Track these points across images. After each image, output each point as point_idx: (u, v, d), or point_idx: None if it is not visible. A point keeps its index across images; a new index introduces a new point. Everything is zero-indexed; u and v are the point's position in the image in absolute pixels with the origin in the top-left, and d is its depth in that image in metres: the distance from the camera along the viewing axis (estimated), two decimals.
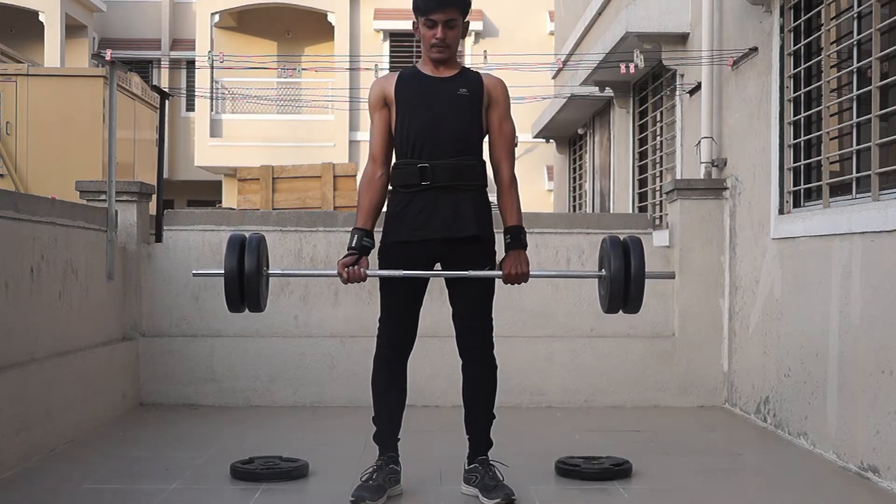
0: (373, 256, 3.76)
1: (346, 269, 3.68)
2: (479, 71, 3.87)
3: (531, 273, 3.75)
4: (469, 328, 3.77)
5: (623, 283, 3.66)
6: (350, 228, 6.14)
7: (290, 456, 4.29)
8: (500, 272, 3.71)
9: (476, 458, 3.83)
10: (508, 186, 3.81)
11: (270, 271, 3.83)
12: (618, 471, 4.14)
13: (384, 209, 3.83)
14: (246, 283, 3.63)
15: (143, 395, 6.03)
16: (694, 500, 3.90)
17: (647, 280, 3.68)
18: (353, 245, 3.71)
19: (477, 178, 3.77)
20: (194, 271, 3.94)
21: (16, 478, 4.03)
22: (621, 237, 3.78)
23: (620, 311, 3.77)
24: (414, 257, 3.72)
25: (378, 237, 3.79)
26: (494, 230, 3.81)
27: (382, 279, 3.77)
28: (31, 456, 4.30)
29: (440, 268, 3.79)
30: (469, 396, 3.84)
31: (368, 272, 3.69)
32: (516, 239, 3.74)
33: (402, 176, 3.73)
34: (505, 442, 4.11)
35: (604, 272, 3.76)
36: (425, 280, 3.80)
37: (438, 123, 3.70)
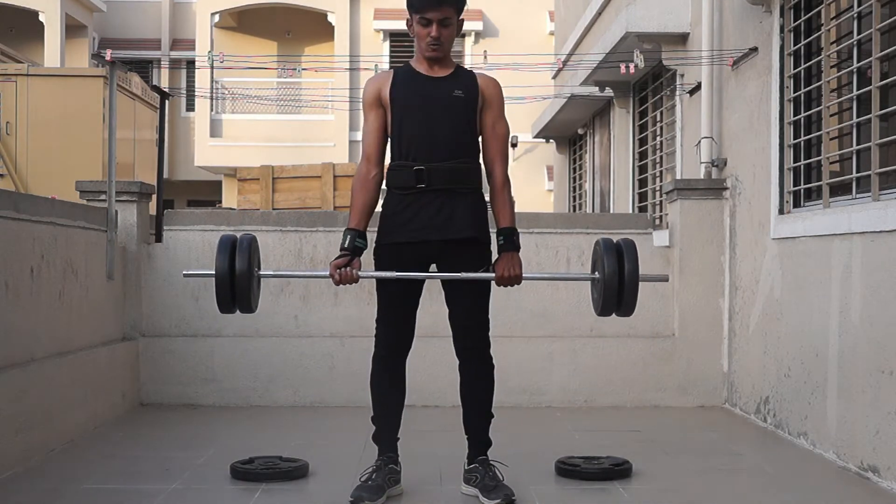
0: (367, 256, 3.75)
1: (337, 270, 3.66)
2: (474, 70, 3.86)
3: (524, 275, 3.74)
4: (466, 328, 3.77)
5: (616, 287, 3.63)
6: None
7: (290, 456, 4.29)
8: (492, 274, 3.70)
9: (476, 459, 3.83)
10: (501, 187, 3.80)
11: (262, 272, 3.81)
12: (618, 471, 4.14)
13: (378, 209, 3.83)
14: (237, 283, 3.61)
15: (143, 395, 6.03)
16: (694, 500, 3.89)
17: (641, 283, 3.67)
18: (346, 246, 3.69)
19: (472, 181, 3.76)
20: (185, 272, 3.91)
21: (16, 478, 4.03)
22: (615, 239, 3.77)
23: (614, 315, 3.75)
24: (409, 258, 3.72)
25: (372, 237, 3.78)
26: (490, 231, 3.81)
27: (378, 280, 3.76)
28: (31, 456, 4.30)
29: (436, 269, 3.79)
30: (467, 396, 3.84)
31: (361, 273, 3.67)
32: (509, 241, 3.73)
33: (397, 177, 3.72)
34: (505, 442, 4.12)
35: (597, 275, 3.75)
36: (421, 280, 3.79)
37: (434, 126, 3.69)
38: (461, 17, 3.77)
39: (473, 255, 3.74)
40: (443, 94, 3.71)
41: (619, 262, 3.63)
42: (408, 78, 3.76)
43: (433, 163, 3.67)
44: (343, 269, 3.66)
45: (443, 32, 3.67)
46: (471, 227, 3.71)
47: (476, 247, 3.75)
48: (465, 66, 3.90)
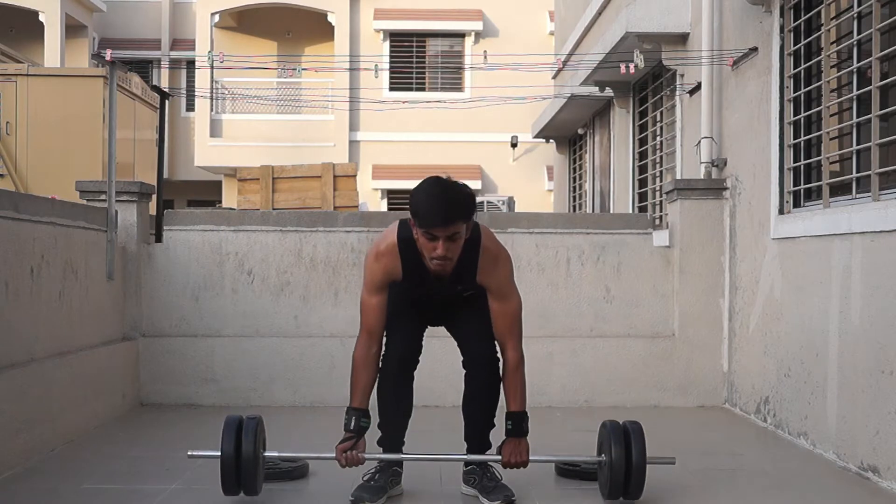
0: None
1: (343, 455, 3.62)
2: (481, 242, 3.60)
3: (531, 458, 3.69)
4: (471, 343, 3.76)
5: (623, 473, 3.60)
6: (349, 230, 6.21)
7: (290, 456, 4.29)
8: (499, 457, 3.68)
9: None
10: (514, 369, 3.66)
11: (267, 454, 3.76)
12: None
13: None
14: (243, 467, 3.56)
15: (143, 395, 6.03)
16: (694, 500, 3.89)
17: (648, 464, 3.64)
18: (352, 428, 3.62)
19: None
20: (190, 452, 3.72)
21: (16, 478, 4.03)
22: (621, 422, 3.72)
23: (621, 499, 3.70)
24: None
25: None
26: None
27: (390, 296, 3.69)
28: (31, 456, 4.30)
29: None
30: (470, 407, 3.83)
31: (366, 455, 3.66)
32: (517, 427, 3.66)
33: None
34: None
35: (603, 458, 3.69)
36: (431, 311, 3.79)
37: (439, 299, 3.73)
38: (472, 220, 3.54)
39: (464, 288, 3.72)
40: (448, 290, 3.66)
41: (627, 450, 3.60)
42: (414, 269, 3.59)
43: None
44: (350, 453, 3.62)
45: (450, 247, 3.44)
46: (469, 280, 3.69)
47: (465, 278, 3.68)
48: (468, 242, 3.57)
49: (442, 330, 3.95)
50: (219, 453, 3.55)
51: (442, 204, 3.38)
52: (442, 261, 3.44)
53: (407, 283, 3.63)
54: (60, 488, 3.92)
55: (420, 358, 3.84)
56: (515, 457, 3.64)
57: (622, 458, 3.60)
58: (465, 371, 3.81)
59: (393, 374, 3.76)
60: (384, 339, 3.74)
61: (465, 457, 3.77)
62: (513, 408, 3.66)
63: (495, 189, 19.52)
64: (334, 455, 3.65)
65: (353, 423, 3.62)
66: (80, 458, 4.45)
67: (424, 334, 3.85)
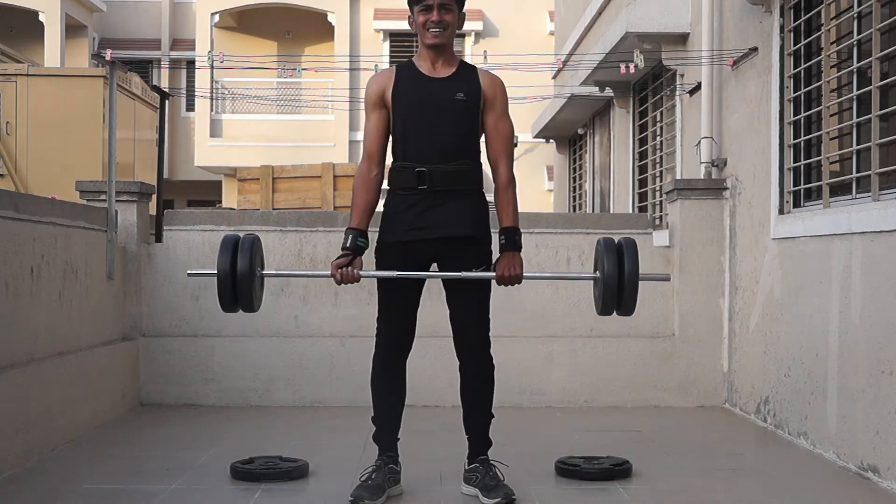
0: (368, 255, 3.75)
1: (339, 270, 3.66)
2: (477, 67, 3.85)
3: (525, 275, 3.74)
4: (466, 328, 3.77)
5: (616, 286, 3.63)
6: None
7: (290, 456, 4.29)
8: (493, 273, 3.70)
9: (476, 458, 3.83)
10: (505, 187, 3.78)
11: (264, 272, 3.82)
12: (618, 471, 4.14)
13: (380, 208, 3.83)
14: (238, 282, 3.62)
15: (143, 395, 6.03)
16: (694, 500, 3.90)
17: (641, 282, 3.67)
18: (348, 245, 3.69)
19: (474, 182, 3.77)
20: (189, 271, 3.95)
21: (16, 478, 4.03)
22: (616, 239, 3.77)
23: (615, 314, 3.75)
24: (410, 257, 3.73)
25: (374, 237, 3.78)
26: (491, 230, 3.80)
27: (379, 281, 3.76)
28: (31, 456, 4.30)
29: (437, 268, 3.79)
30: (467, 396, 3.84)
31: (362, 273, 3.68)
32: (510, 240, 3.73)
33: (399, 178, 3.73)
34: (505, 442, 4.12)
35: (597, 274, 3.75)
36: (422, 279, 3.80)
37: (436, 129, 3.69)
38: (463, 12, 3.76)
39: (474, 255, 3.74)
40: (445, 96, 3.70)
41: (620, 262, 3.63)
42: (410, 78, 3.74)
43: (435, 164, 3.67)
44: (345, 269, 3.66)
45: (444, 16, 3.66)
46: (471, 226, 3.71)
47: (476, 246, 3.75)
48: (469, 62, 3.88)
49: (442, 330, 3.95)
50: (215, 271, 3.63)
51: None
52: (437, 27, 3.64)
53: (404, 89, 3.70)
54: (60, 488, 3.92)
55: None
56: (510, 270, 3.68)
57: (615, 273, 3.62)
58: (458, 362, 3.82)
59: (385, 359, 3.79)
60: (376, 326, 3.77)
61: (461, 275, 3.69)
62: (505, 223, 3.74)
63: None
64: (330, 272, 3.69)
65: (349, 241, 3.69)
66: (80, 458, 4.45)
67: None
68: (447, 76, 3.74)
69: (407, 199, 3.71)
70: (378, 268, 3.74)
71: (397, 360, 3.82)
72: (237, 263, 3.62)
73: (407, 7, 3.76)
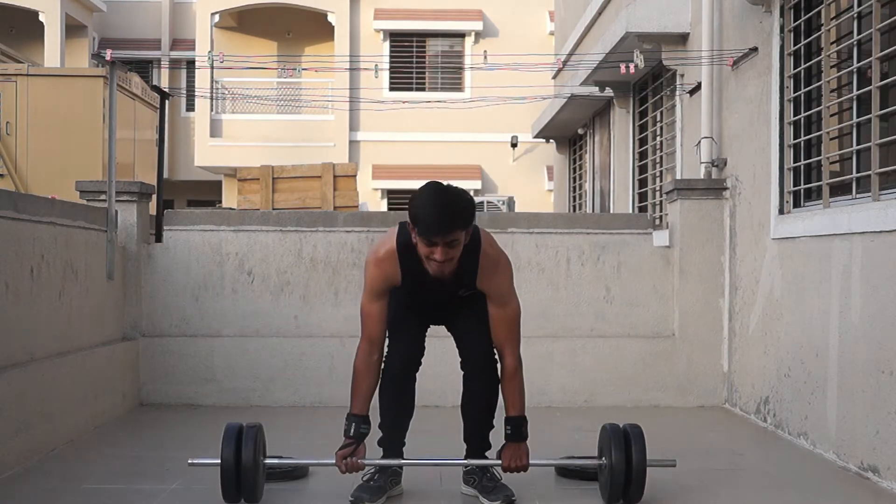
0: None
1: (343, 461, 3.63)
2: (480, 252, 3.59)
3: (531, 462, 3.70)
4: (467, 342, 3.76)
5: (624, 477, 3.61)
6: (349, 230, 6.21)
7: (290, 456, 4.29)
8: (499, 461, 3.68)
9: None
10: (513, 374, 3.66)
11: (268, 461, 3.76)
12: None
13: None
14: (242, 474, 3.56)
15: (143, 395, 6.03)
16: (694, 500, 3.89)
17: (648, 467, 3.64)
18: (351, 434, 3.63)
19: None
20: (190, 461, 3.74)
21: (16, 478, 4.03)
22: (621, 425, 3.73)
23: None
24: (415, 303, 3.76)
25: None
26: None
27: (391, 299, 3.69)
28: (31, 456, 4.30)
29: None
30: (469, 409, 3.84)
31: (366, 461, 3.67)
32: (517, 431, 3.67)
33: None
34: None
35: (604, 461, 3.70)
36: (431, 312, 3.80)
37: (440, 300, 3.71)
38: (469, 229, 3.49)
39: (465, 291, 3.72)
40: (448, 293, 3.65)
41: (627, 453, 3.60)
42: (414, 273, 3.57)
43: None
44: (349, 459, 3.62)
45: (449, 253, 3.41)
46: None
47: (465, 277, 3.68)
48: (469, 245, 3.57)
49: (442, 330, 3.95)
50: (219, 461, 3.55)
51: (442, 213, 3.37)
52: (440, 265, 3.43)
53: (408, 288, 3.63)
54: (60, 488, 3.92)
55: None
56: (515, 461, 3.64)
57: (622, 463, 3.60)
58: (462, 372, 3.80)
59: (396, 375, 3.76)
60: (387, 340, 3.74)
61: (465, 462, 3.79)
62: (512, 413, 3.66)
63: (495, 189, 19.52)
64: (334, 461, 3.65)
65: (352, 430, 3.63)
66: (80, 458, 4.45)
67: (426, 334, 3.85)
68: (449, 280, 3.57)
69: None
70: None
71: (409, 376, 3.81)
72: (241, 455, 3.55)
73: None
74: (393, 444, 3.84)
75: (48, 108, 9.92)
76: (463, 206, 3.41)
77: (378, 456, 3.83)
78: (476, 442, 3.84)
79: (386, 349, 3.76)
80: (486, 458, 3.83)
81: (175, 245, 6.17)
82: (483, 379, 3.76)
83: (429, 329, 3.87)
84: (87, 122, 9.87)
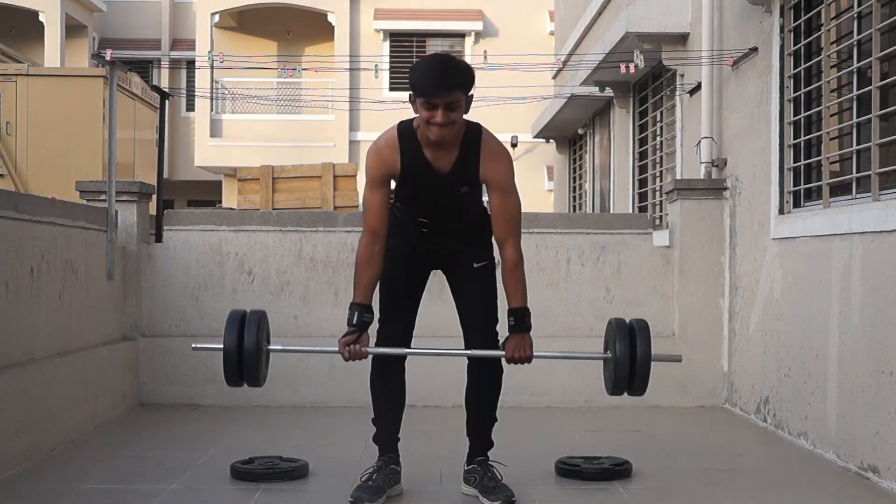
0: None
1: (346, 347, 3.63)
2: (482, 138, 3.60)
3: (535, 354, 3.69)
4: (476, 334, 3.76)
5: (628, 369, 3.63)
6: (349, 230, 6.21)
7: (290, 456, 4.29)
8: (503, 352, 3.68)
9: (475, 459, 3.83)
10: (514, 267, 3.66)
11: (271, 347, 3.79)
12: (618, 471, 4.14)
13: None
14: (245, 358, 3.60)
15: (143, 395, 6.03)
16: (694, 500, 3.90)
17: (653, 363, 3.66)
18: (354, 322, 3.63)
19: (481, 233, 3.76)
20: (194, 345, 3.87)
21: (16, 478, 4.03)
22: (627, 320, 3.74)
23: (625, 394, 3.73)
24: (415, 258, 3.73)
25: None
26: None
27: (382, 280, 3.74)
28: (31, 456, 4.30)
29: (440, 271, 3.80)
30: (473, 401, 3.84)
31: (368, 349, 3.67)
32: (520, 322, 3.67)
33: (403, 216, 3.74)
34: (505, 442, 4.11)
35: (608, 354, 3.73)
36: (424, 278, 3.82)
37: (441, 211, 3.69)
38: (471, 94, 3.51)
39: (475, 248, 3.75)
40: (449, 187, 3.62)
41: (632, 344, 3.62)
42: (414, 161, 3.56)
43: (440, 225, 3.72)
44: (353, 347, 3.63)
45: (449, 116, 3.40)
46: (479, 254, 3.74)
47: (478, 240, 3.75)
48: (473, 128, 3.59)
49: (442, 330, 3.95)
50: (221, 346, 3.61)
51: (441, 72, 3.42)
52: (441, 128, 3.41)
53: (407, 183, 3.62)
54: (60, 488, 3.92)
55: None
56: (519, 352, 3.65)
57: (626, 355, 3.62)
58: (467, 364, 3.81)
59: (384, 362, 3.78)
60: (377, 326, 3.77)
61: (466, 352, 3.72)
62: (514, 304, 3.67)
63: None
64: (337, 349, 3.66)
65: (355, 318, 3.63)
66: (80, 458, 4.45)
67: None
68: (450, 169, 3.58)
69: (412, 229, 3.74)
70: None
71: (397, 363, 3.82)
72: (244, 339, 3.59)
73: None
74: (387, 440, 3.85)
75: (48, 108, 9.91)
76: (463, 67, 3.49)
77: (373, 454, 3.83)
78: (479, 439, 3.83)
79: (375, 335, 3.77)
80: (486, 456, 3.83)
81: (175, 245, 6.17)
82: (488, 371, 3.78)
83: (422, 333, 3.86)
84: (87, 122, 9.87)
